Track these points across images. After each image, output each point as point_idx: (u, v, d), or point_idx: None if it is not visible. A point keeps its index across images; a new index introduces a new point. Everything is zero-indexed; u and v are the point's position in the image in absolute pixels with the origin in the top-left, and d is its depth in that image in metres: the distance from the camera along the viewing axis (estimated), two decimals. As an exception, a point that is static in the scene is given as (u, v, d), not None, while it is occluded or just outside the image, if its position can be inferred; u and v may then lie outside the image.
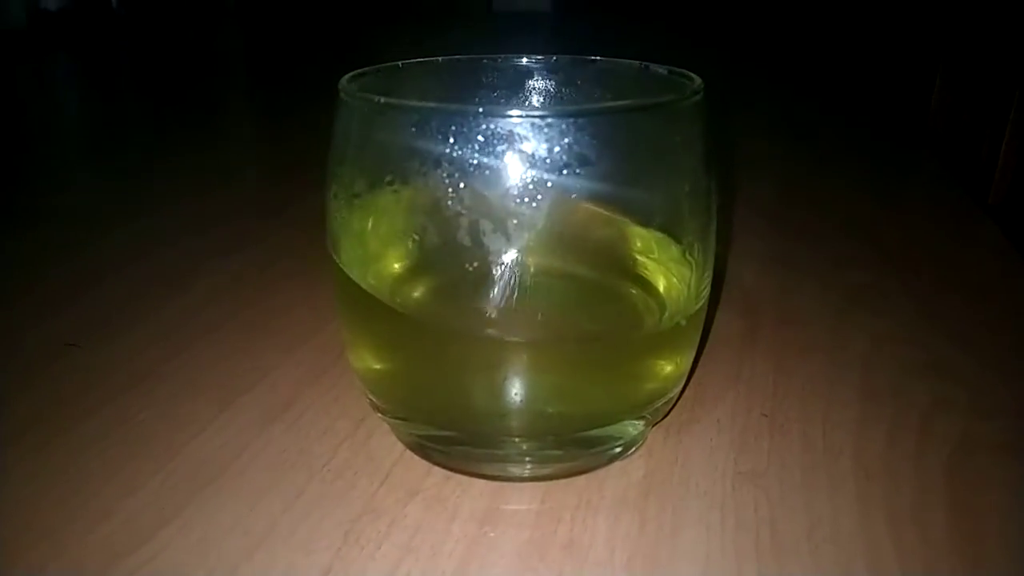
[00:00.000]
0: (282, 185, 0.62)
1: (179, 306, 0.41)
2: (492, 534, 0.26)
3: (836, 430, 0.32)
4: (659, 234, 0.28)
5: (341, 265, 0.29)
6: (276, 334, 0.38)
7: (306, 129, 0.68)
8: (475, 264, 0.26)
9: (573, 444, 0.29)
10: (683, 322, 0.28)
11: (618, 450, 0.30)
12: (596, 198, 0.26)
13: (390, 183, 0.26)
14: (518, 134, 0.23)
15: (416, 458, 0.30)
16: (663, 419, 0.31)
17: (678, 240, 0.28)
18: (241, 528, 0.26)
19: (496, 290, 0.27)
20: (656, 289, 0.30)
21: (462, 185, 0.24)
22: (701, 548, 0.26)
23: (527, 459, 0.29)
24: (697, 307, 0.29)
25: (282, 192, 0.60)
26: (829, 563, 0.26)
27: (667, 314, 0.29)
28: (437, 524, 0.27)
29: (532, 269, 0.27)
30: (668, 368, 0.29)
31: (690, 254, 0.28)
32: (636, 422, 0.29)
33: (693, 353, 0.30)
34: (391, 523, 0.27)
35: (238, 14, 1.48)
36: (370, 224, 0.29)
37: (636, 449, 0.30)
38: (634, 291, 0.30)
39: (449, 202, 0.25)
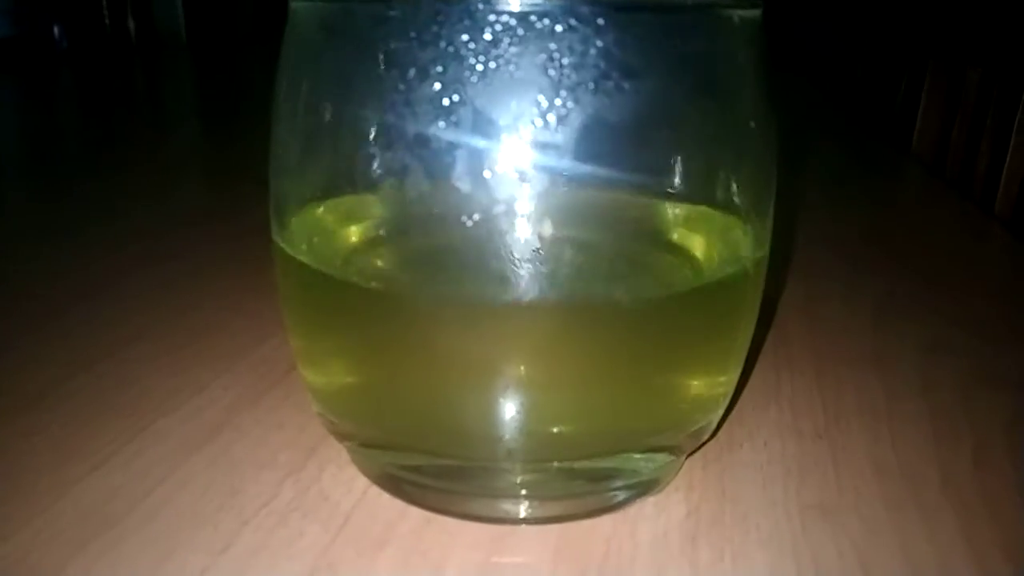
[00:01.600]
0: (221, 195, 0.55)
1: (87, 317, 0.33)
2: (493, 596, 0.19)
3: (910, 452, 0.26)
4: (714, 185, 0.22)
5: (285, 244, 0.22)
6: (206, 349, 0.31)
7: (246, 153, 0.61)
8: (474, 217, 0.19)
9: (592, 472, 0.22)
10: (750, 269, 0.21)
11: (649, 481, 0.23)
12: (636, 131, 0.20)
13: (358, 109, 0.19)
14: (536, 27, 0.17)
15: (384, 496, 0.23)
16: (700, 446, 0.25)
17: (731, 195, 0.22)
18: (142, 596, 0.19)
19: (503, 250, 0.20)
20: (702, 258, 0.23)
21: (458, 104, 0.18)
22: (780, 609, 0.19)
23: (533, 493, 0.22)
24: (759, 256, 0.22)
25: (220, 202, 0.53)
26: (955, 625, 0.19)
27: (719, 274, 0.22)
28: (417, 584, 0.20)
29: (550, 222, 0.20)
30: (714, 366, 0.22)
31: (744, 211, 0.22)
32: (673, 443, 0.22)
33: (745, 350, 0.24)
34: (353, 584, 0.19)
35: (189, 48, 1.41)
36: (328, 173, 0.22)
37: (671, 480, 0.24)
38: (683, 260, 0.23)
39: (440, 130, 0.18)
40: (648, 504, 0.23)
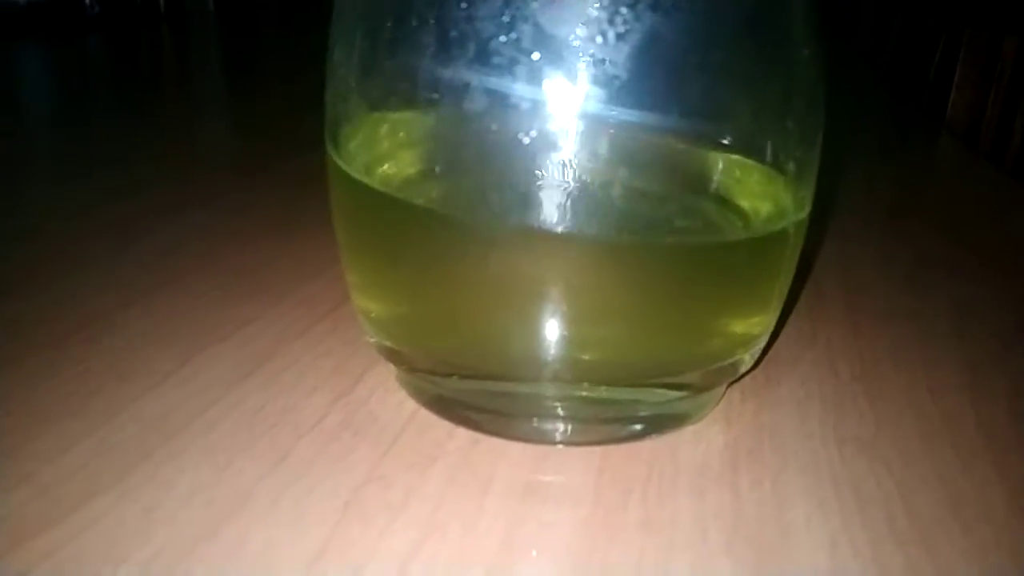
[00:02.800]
0: (259, 144, 0.55)
1: (136, 256, 0.34)
2: (540, 509, 0.20)
3: (947, 396, 0.26)
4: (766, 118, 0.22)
5: (342, 162, 0.22)
6: (254, 285, 0.32)
7: (285, 111, 0.62)
8: (533, 145, 0.19)
9: (630, 400, 0.22)
10: (790, 228, 0.22)
11: (687, 413, 0.23)
12: (690, 71, 0.20)
13: (415, 28, 0.20)
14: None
15: (432, 417, 0.23)
16: (738, 379, 0.25)
17: (779, 153, 0.22)
18: (203, 498, 0.20)
19: (559, 180, 0.20)
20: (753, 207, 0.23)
21: (522, 19, 0.18)
22: (821, 529, 0.20)
23: (573, 417, 0.22)
24: (801, 217, 0.22)
25: (259, 151, 0.53)
26: (991, 546, 0.19)
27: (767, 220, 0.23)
28: (467, 496, 0.20)
29: (608, 160, 0.21)
30: (758, 302, 0.23)
31: (791, 171, 0.22)
32: (709, 379, 0.23)
33: (787, 288, 0.24)
34: (406, 494, 0.20)
35: (217, 19, 1.41)
36: (386, 95, 0.22)
37: (708, 412, 0.24)
38: (727, 212, 0.24)
39: (503, 44, 0.18)
40: (687, 434, 0.23)
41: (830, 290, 0.34)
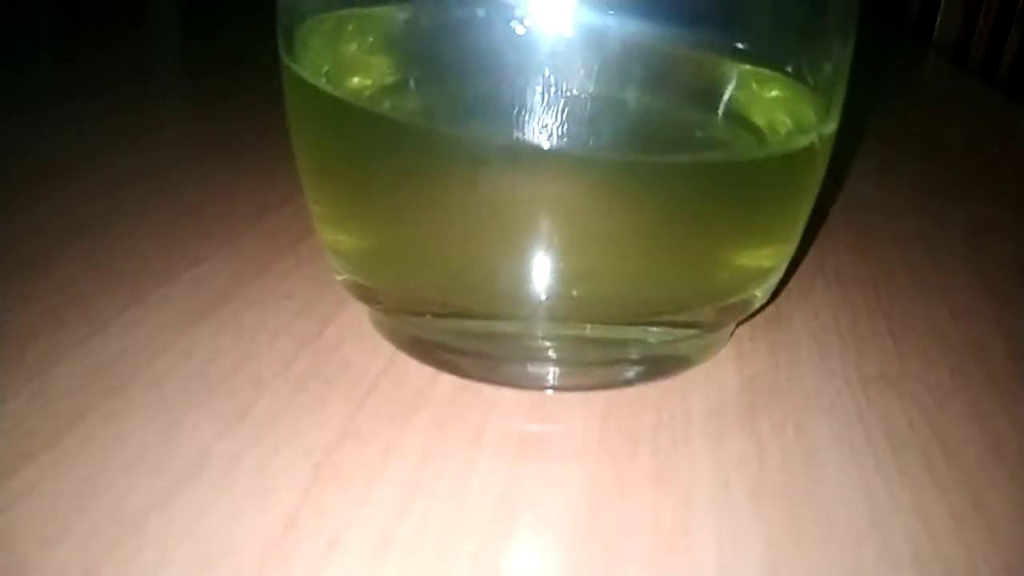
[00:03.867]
0: (215, 73, 0.51)
1: (77, 191, 0.31)
2: (539, 463, 0.18)
3: (972, 324, 0.24)
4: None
5: (299, 67, 0.19)
6: (207, 220, 0.29)
7: (245, 35, 0.58)
8: (516, 53, 0.16)
9: (629, 339, 0.20)
10: (816, 142, 0.19)
11: (695, 352, 0.21)
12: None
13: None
14: None
15: (412, 362, 0.21)
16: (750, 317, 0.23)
17: (803, 57, 0.19)
18: (150, 462, 0.17)
19: (543, 93, 0.17)
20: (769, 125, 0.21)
21: None
22: (855, 478, 0.17)
23: (567, 358, 0.20)
24: (827, 130, 0.20)
25: (216, 80, 0.49)
26: (1044, 494, 0.17)
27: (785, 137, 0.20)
28: (456, 451, 0.18)
29: (601, 69, 0.18)
30: (776, 227, 0.20)
31: (816, 77, 0.19)
32: (718, 316, 0.20)
33: (803, 226, 0.21)
34: (385, 450, 0.18)
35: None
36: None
37: (718, 352, 0.22)
38: (743, 128, 0.21)
39: None
40: (697, 374, 0.21)
41: (834, 213, 0.32)
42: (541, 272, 0.18)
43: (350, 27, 0.20)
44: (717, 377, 0.21)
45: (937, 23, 0.68)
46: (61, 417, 0.18)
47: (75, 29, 0.61)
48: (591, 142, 0.18)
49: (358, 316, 0.23)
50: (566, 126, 0.18)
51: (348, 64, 0.20)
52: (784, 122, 0.20)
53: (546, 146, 0.17)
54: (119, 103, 0.41)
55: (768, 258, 0.21)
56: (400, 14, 0.18)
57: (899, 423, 0.19)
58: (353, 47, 0.20)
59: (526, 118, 0.17)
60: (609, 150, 0.18)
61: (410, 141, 0.18)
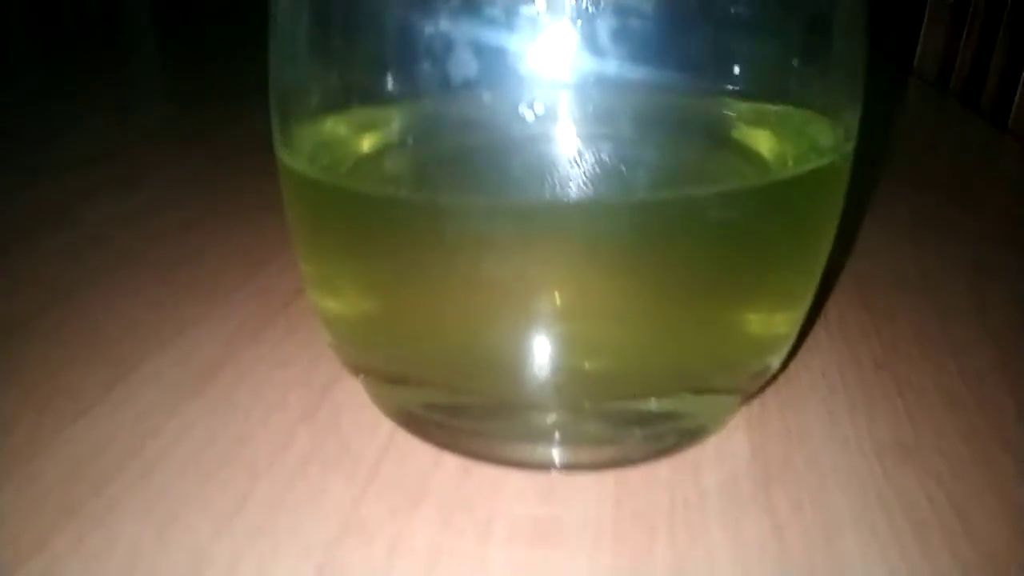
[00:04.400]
0: (200, 112, 0.50)
1: (57, 248, 0.30)
2: (554, 555, 0.17)
3: (982, 382, 0.24)
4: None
5: (290, 159, 0.18)
6: (197, 276, 0.28)
7: (222, 64, 0.57)
8: (504, 109, 0.16)
9: (642, 414, 0.19)
10: (839, 159, 0.18)
11: (706, 423, 0.20)
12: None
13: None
14: None
15: (413, 440, 0.20)
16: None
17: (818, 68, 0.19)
18: (145, 568, 0.16)
19: (536, 150, 0.17)
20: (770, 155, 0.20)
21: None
22: (878, 564, 0.17)
23: (579, 437, 0.19)
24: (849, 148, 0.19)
25: (199, 119, 0.48)
26: (1073, 579, 0.17)
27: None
28: (465, 544, 0.17)
29: (591, 115, 0.17)
30: (786, 286, 0.20)
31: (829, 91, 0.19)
32: (735, 383, 0.20)
33: (821, 271, 0.21)
34: (391, 547, 0.17)
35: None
36: (339, 69, 0.18)
37: (727, 420, 0.21)
38: (749, 159, 0.20)
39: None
40: (708, 447, 0.20)
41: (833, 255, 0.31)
42: (545, 346, 0.17)
43: (332, 117, 0.19)
44: (728, 449, 0.20)
45: (918, 48, 0.68)
46: (48, 515, 0.17)
47: (51, 57, 0.60)
48: (589, 193, 0.17)
49: (355, 387, 0.22)
50: (565, 190, 0.17)
51: (333, 145, 0.19)
52: (796, 148, 0.20)
53: (538, 204, 0.17)
54: (98, 147, 0.41)
55: (783, 323, 0.20)
56: (384, 104, 0.18)
57: (918, 498, 0.19)
58: (340, 131, 0.19)
59: (520, 185, 0.17)
60: (612, 199, 0.18)
61: (399, 211, 0.17)
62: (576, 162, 0.18)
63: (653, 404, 0.19)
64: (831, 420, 0.22)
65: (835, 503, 0.19)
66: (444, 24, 0.15)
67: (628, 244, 0.17)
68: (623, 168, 0.18)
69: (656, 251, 0.17)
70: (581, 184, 0.17)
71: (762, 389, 0.22)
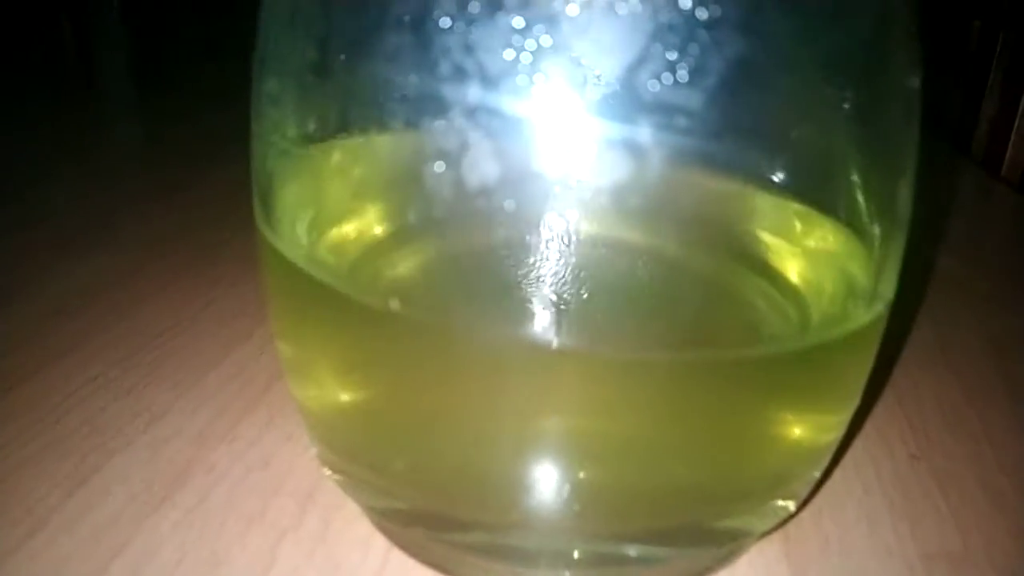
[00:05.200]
0: (172, 158, 0.48)
1: (19, 320, 0.27)
2: None
3: (1021, 473, 0.22)
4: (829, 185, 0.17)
5: (275, 242, 0.16)
6: (169, 356, 0.25)
7: (195, 119, 0.55)
8: (507, 226, 0.14)
9: (666, 539, 0.17)
10: (882, 308, 0.17)
11: (740, 542, 0.18)
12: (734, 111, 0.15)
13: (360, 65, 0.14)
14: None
15: (411, 563, 0.18)
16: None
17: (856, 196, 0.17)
18: None
19: (549, 268, 0.15)
20: (805, 285, 0.18)
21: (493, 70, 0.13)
22: None
23: (595, 566, 0.17)
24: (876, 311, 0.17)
25: (172, 166, 0.46)
26: None
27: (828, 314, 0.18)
28: None
29: (616, 243, 0.15)
30: (817, 429, 0.18)
31: (868, 217, 0.17)
32: (758, 522, 0.18)
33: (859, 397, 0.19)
34: None
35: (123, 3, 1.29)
36: (328, 164, 0.17)
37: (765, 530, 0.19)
38: (776, 287, 0.19)
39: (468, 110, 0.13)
40: (743, 564, 0.18)
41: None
42: (552, 485, 0.15)
43: (324, 202, 0.17)
44: (766, 569, 0.18)
45: (975, 133, 0.63)
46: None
47: (18, 102, 0.58)
48: (609, 337, 0.15)
49: (342, 494, 0.20)
50: (579, 317, 0.15)
51: (325, 236, 0.17)
52: (830, 286, 0.18)
53: (552, 343, 0.15)
54: (60, 200, 0.38)
55: (808, 462, 0.18)
56: (386, 189, 0.16)
57: (978, 625, 0.17)
58: (333, 221, 0.17)
59: (532, 322, 0.15)
60: (629, 347, 0.16)
61: (395, 330, 0.15)
62: (598, 298, 0.16)
63: (677, 536, 0.17)
64: (870, 526, 0.20)
65: (888, 633, 0.17)
66: (451, 118, 0.13)
67: (638, 395, 0.15)
68: (640, 311, 0.17)
69: (677, 406, 0.16)
70: (597, 331, 0.15)
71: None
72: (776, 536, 0.19)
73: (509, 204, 0.15)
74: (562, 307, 0.15)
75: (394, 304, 0.14)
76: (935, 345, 0.28)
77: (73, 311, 0.28)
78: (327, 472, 0.18)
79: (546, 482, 0.15)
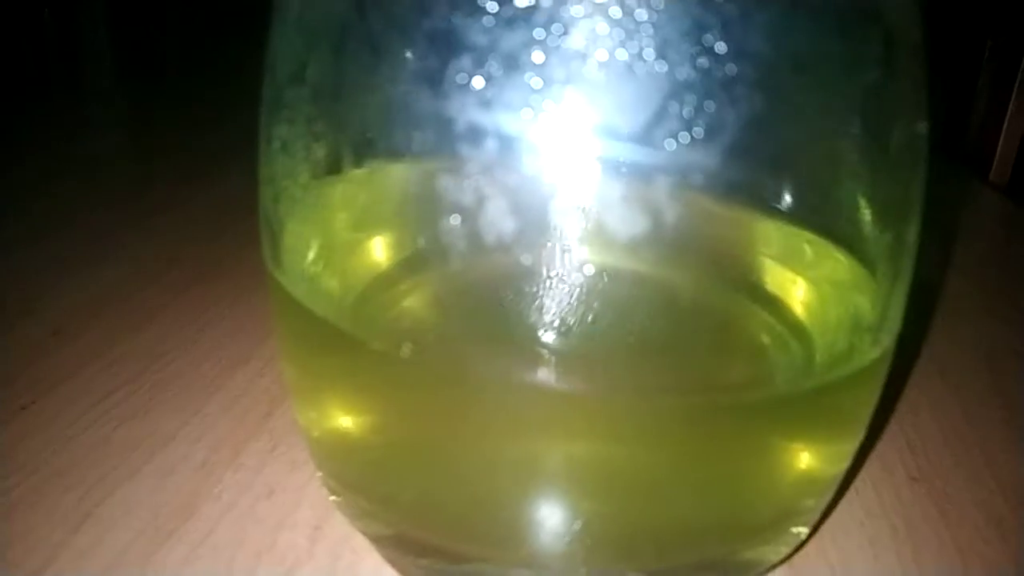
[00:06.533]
0: (161, 167, 0.47)
1: (13, 343, 0.27)
2: None
3: (1020, 498, 0.22)
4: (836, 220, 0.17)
5: (283, 280, 0.16)
6: (167, 381, 0.25)
7: (181, 122, 0.55)
8: (510, 261, 0.14)
9: (689, 573, 0.17)
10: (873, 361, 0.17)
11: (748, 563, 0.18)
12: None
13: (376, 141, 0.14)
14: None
15: (423, 596, 0.18)
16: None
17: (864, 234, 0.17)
18: None
19: (555, 303, 0.15)
20: (810, 320, 0.18)
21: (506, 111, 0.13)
22: None
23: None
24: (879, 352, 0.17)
25: (162, 176, 0.45)
26: None
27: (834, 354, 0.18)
28: None
29: (624, 282, 0.16)
30: (822, 463, 0.18)
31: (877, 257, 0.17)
32: (766, 554, 0.18)
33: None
34: None
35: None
36: (335, 201, 0.17)
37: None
38: (780, 322, 0.19)
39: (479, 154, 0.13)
40: (748, 591, 0.18)
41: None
42: (567, 522, 0.16)
43: (338, 233, 0.17)
44: (770, 595, 0.18)
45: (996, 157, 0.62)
46: None
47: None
48: (612, 380, 0.16)
49: (350, 523, 0.20)
50: (581, 360, 0.15)
51: (334, 273, 0.17)
52: (836, 311, 0.18)
53: (557, 385, 0.15)
54: (44, 217, 0.38)
55: (813, 493, 0.18)
56: (400, 227, 0.16)
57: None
58: (344, 256, 0.17)
59: (530, 341, 0.15)
60: (636, 391, 0.16)
61: (386, 368, 0.15)
62: (601, 341, 0.16)
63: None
64: (874, 552, 0.20)
65: (896, 665, 0.17)
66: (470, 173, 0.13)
67: (641, 438, 0.15)
68: (645, 353, 0.17)
69: (683, 447, 0.16)
70: (601, 372, 0.15)
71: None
72: (781, 567, 0.19)
73: (513, 239, 0.15)
74: (566, 346, 0.15)
75: (406, 350, 0.14)
76: (932, 363, 0.29)
77: (70, 333, 0.28)
78: (333, 499, 0.18)
79: (553, 521, 0.16)
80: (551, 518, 0.15)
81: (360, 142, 0.15)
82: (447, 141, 0.14)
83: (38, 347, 0.27)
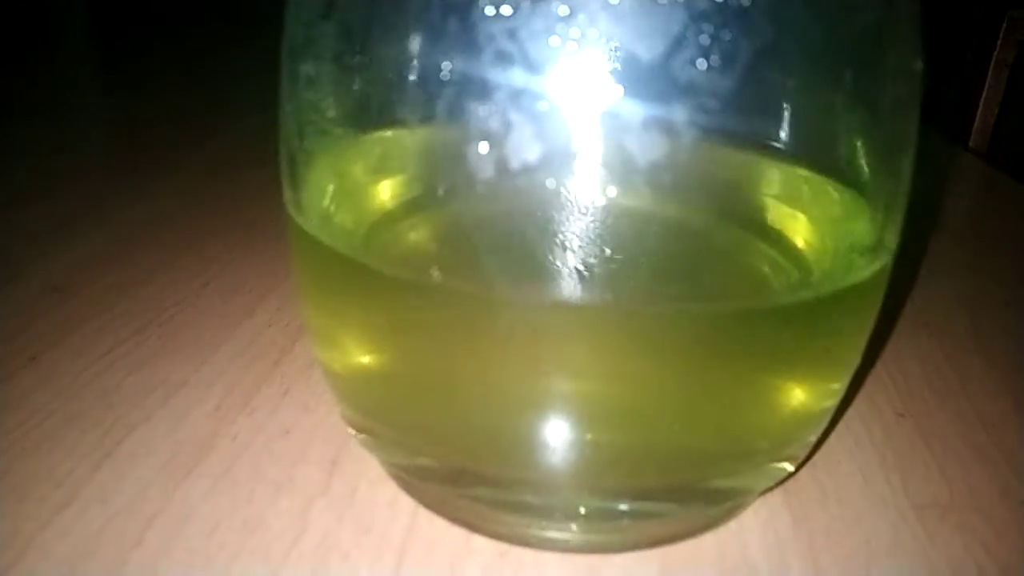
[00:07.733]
0: (151, 135, 0.48)
1: (13, 299, 0.27)
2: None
3: (1002, 432, 0.23)
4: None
5: (301, 220, 0.17)
6: (177, 331, 0.26)
7: (179, 86, 0.55)
8: (534, 195, 0.15)
9: (681, 492, 0.18)
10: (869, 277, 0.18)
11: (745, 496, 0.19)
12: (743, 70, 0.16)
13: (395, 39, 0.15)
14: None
15: (438, 520, 0.19)
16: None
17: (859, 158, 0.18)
18: None
19: (565, 238, 0.16)
20: (808, 245, 0.19)
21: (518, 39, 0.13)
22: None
23: (618, 517, 0.18)
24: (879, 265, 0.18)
25: (151, 143, 0.46)
26: None
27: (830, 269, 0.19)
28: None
29: (624, 203, 0.16)
30: (819, 381, 0.19)
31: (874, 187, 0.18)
32: (765, 473, 0.19)
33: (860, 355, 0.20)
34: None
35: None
36: (357, 139, 0.17)
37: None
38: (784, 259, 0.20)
39: (494, 68, 0.14)
40: (749, 518, 0.19)
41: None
42: (570, 440, 0.16)
43: (351, 171, 0.17)
44: (770, 520, 0.19)
45: (975, 123, 0.64)
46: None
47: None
48: (619, 293, 0.16)
49: (365, 456, 0.20)
50: (590, 276, 0.16)
51: (350, 208, 0.18)
52: (835, 241, 0.19)
53: (572, 299, 0.16)
54: (44, 185, 0.38)
55: (810, 422, 0.19)
56: (408, 167, 0.17)
57: (966, 565, 0.18)
58: (358, 191, 0.18)
59: (550, 280, 0.16)
60: (643, 302, 0.17)
61: (427, 298, 0.16)
62: (607, 259, 0.16)
63: (689, 487, 0.18)
64: (864, 479, 0.21)
65: (884, 568, 0.18)
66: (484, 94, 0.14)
67: (647, 350, 0.16)
68: (648, 270, 0.17)
69: (678, 349, 0.16)
70: (610, 286, 0.16)
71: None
72: (776, 490, 0.20)
73: (527, 170, 0.15)
74: (572, 266, 0.16)
75: (435, 273, 0.15)
76: (916, 314, 0.30)
77: (77, 286, 0.28)
78: (351, 432, 0.19)
79: (555, 439, 0.16)
80: (550, 434, 0.16)
81: (385, 80, 0.16)
82: (472, 71, 0.15)
83: (38, 304, 0.27)
